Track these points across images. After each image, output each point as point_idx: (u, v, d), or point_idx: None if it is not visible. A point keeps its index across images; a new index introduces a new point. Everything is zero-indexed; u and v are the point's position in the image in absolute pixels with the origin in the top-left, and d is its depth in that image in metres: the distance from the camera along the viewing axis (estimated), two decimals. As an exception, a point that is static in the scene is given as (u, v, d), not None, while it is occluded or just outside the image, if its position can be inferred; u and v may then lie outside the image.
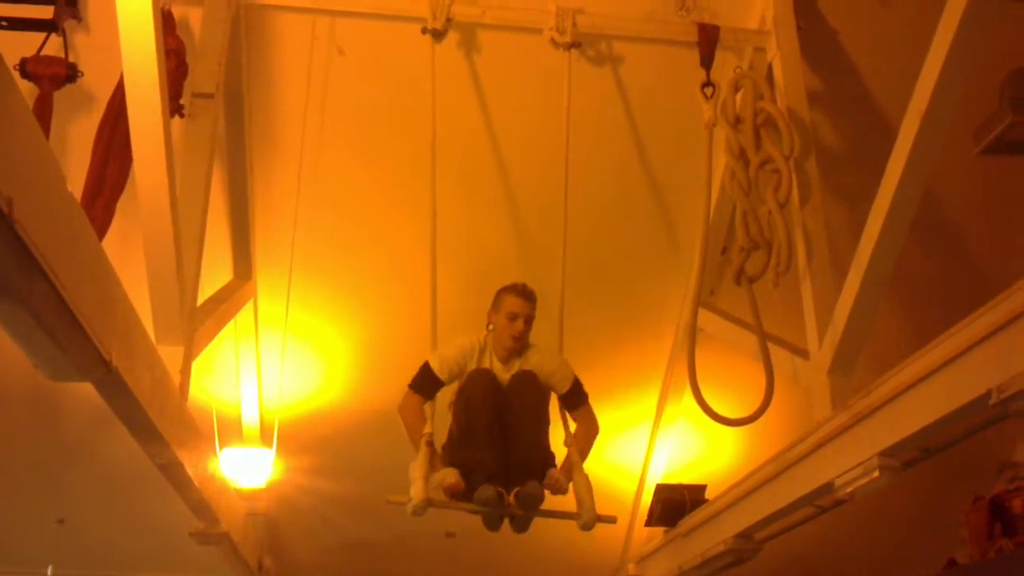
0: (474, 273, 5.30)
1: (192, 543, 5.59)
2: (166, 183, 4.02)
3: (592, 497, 4.26)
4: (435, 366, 4.36)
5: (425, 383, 4.37)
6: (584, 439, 4.54)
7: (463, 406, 4.24)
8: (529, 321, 4.35)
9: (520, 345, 4.37)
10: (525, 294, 4.37)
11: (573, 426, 4.57)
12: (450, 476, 4.06)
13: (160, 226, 4.08)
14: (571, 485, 4.28)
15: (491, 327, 4.40)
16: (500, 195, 6.02)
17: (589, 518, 4.22)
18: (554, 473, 4.20)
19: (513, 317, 4.31)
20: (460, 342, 4.40)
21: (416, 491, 4.04)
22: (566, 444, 4.49)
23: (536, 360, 4.40)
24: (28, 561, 7.30)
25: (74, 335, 2.62)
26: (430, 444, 4.23)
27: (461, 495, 4.10)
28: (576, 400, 4.49)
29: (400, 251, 6.06)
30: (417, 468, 4.16)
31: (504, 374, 4.34)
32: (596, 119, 5.81)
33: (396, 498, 4.14)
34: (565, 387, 4.44)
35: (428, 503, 4.04)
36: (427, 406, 4.39)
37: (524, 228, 6.12)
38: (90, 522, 7.22)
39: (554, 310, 4.99)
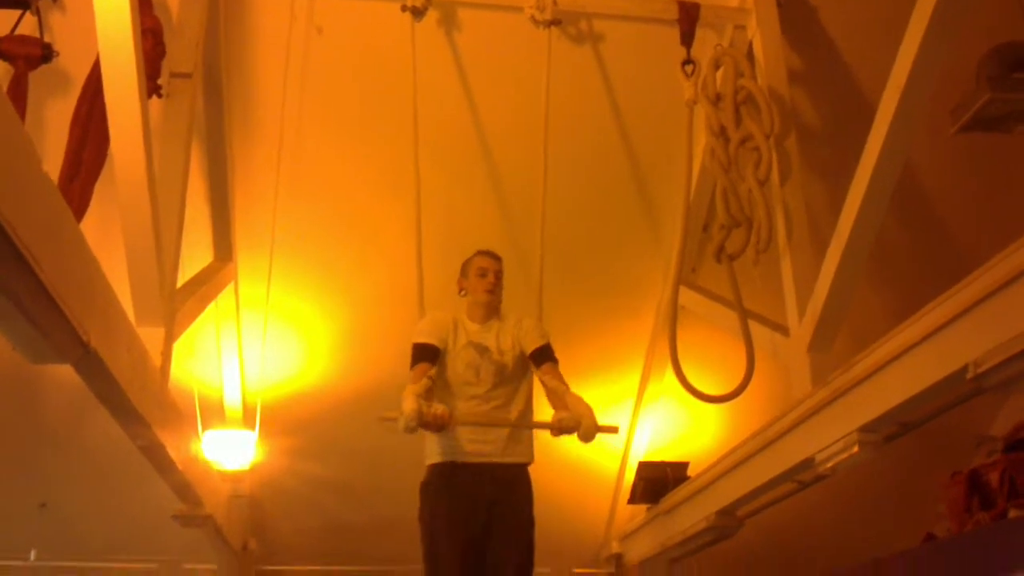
0: (455, 252, 5.27)
1: (176, 526, 5.58)
2: (144, 164, 3.99)
3: (591, 409, 4.14)
4: (422, 339, 4.28)
5: (424, 354, 4.23)
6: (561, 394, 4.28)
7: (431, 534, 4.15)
8: (499, 276, 4.43)
9: (495, 299, 4.43)
10: (491, 254, 4.47)
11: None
12: (439, 407, 3.99)
13: (138, 207, 4.05)
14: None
15: (463, 292, 4.47)
16: (481, 174, 6.01)
17: (589, 426, 4.09)
18: (557, 416, 4.12)
19: (483, 273, 4.40)
20: (430, 317, 4.45)
21: (408, 405, 3.86)
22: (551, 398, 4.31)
23: (513, 319, 4.44)
24: (10, 547, 7.26)
25: (52, 317, 2.60)
26: (430, 378, 4.14)
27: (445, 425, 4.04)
28: (546, 356, 4.33)
29: (381, 231, 6.05)
30: (410, 390, 4.00)
31: (480, 336, 4.34)
32: (577, 97, 5.80)
33: (388, 414, 3.97)
34: (536, 344, 4.35)
35: (420, 417, 3.86)
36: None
37: (506, 206, 6.11)
38: (73, 506, 7.18)
39: (536, 289, 5.01)
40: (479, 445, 4.20)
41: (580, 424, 4.08)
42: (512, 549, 4.13)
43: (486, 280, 4.40)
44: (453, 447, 4.19)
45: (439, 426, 3.98)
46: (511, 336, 4.38)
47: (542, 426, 4.22)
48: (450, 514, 4.11)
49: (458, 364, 4.28)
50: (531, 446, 4.34)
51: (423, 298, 4.93)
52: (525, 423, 4.34)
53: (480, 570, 4.10)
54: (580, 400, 4.18)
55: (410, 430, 3.88)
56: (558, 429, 4.11)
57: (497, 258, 4.48)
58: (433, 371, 4.20)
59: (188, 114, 4.94)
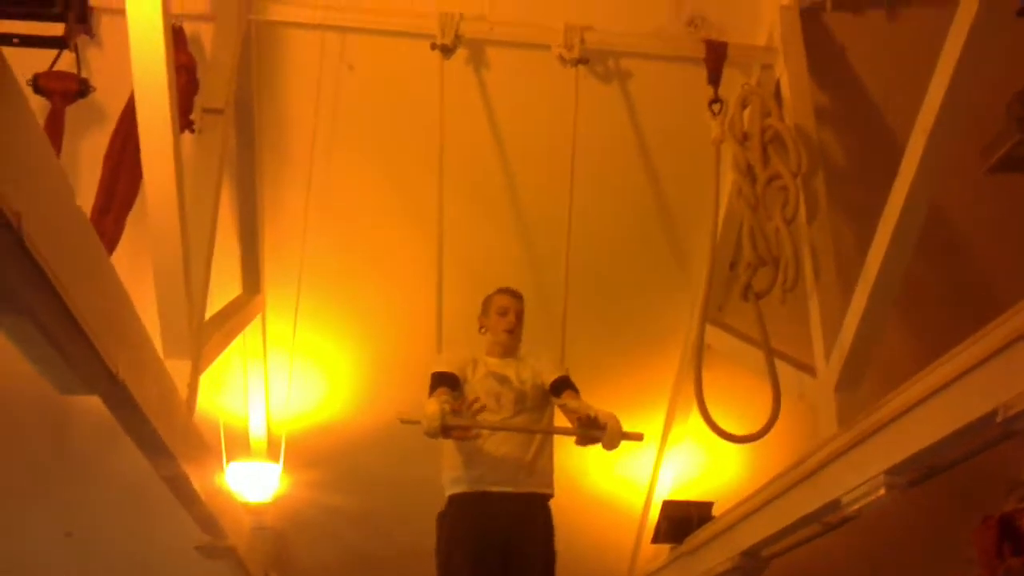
0: (480, 290, 5.28)
1: (198, 557, 5.59)
2: (175, 197, 4.05)
3: (615, 417, 4.04)
4: (441, 368, 4.28)
5: (442, 380, 4.17)
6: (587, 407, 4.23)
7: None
8: (519, 315, 4.43)
9: (514, 339, 4.44)
10: (511, 292, 4.48)
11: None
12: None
13: (169, 240, 4.11)
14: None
15: (483, 330, 4.50)
16: (507, 211, 6.04)
17: (614, 432, 3.99)
18: (586, 411, 4.02)
19: (503, 312, 4.42)
20: (448, 350, 4.55)
21: (432, 409, 3.84)
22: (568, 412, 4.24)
23: (533, 358, 4.46)
24: (36, 575, 7.31)
25: (81, 348, 2.63)
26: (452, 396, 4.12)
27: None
28: (565, 384, 4.28)
29: (408, 266, 6.08)
30: (434, 397, 4.02)
31: (500, 367, 4.36)
32: (603, 135, 5.83)
33: (409, 417, 3.92)
34: (555, 375, 4.32)
35: (443, 419, 3.83)
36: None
37: (531, 245, 6.13)
38: (98, 535, 7.22)
39: (559, 326, 5.01)
40: (497, 474, 4.15)
41: (607, 425, 3.96)
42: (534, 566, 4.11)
43: (506, 319, 4.41)
44: (471, 476, 4.18)
45: (462, 431, 3.96)
46: (530, 369, 4.40)
47: (568, 432, 4.13)
48: (466, 545, 4.09)
49: (479, 391, 4.22)
50: (551, 478, 4.30)
51: (442, 334, 4.94)
52: (551, 428, 4.36)
53: None
54: (605, 410, 4.09)
55: (432, 433, 3.84)
56: (587, 426, 3.96)
57: (518, 296, 4.48)
58: (452, 394, 4.15)
59: (220, 149, 5.01)
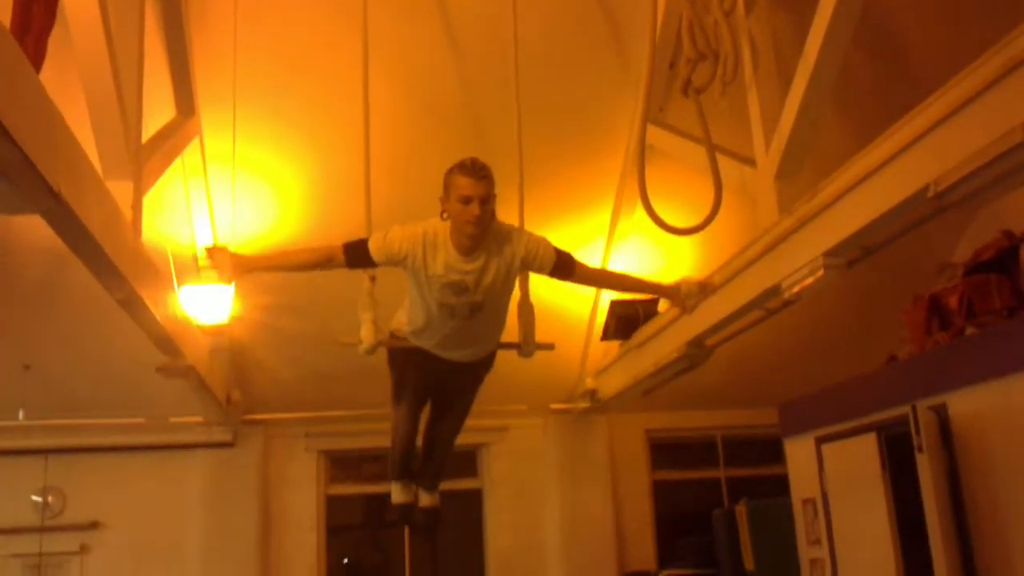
0: (416, 99, 5.20)
1: (161, 381, 5.69)
2: (99, 16, 3.91)
3: (533, 327, 4.26)
4: (371, 245, 3.79)
5: (357, 256, 3.82)
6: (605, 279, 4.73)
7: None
8: (486, 201, 3.62)
9: (481, 231, 3.69)
10: (475, 171, 3.61)
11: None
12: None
13: (97, 60, 3.99)
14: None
15: (446, 216, 3.72)
16: (437, 14, 5.88)
17: (529, 346, 4.27)
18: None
19: (466, 200, 3.60)
20: (411, 229, 3.76)
21: (366, 333, 4.05)
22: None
23: (508, 252, 3.80)
24: (-2, 409, 7.43)
25: (19, 164, 2.60)
26: (372, 280, 4.17)
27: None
28: (567, 268, 3.90)
29: (344, 79, 5.95)
30: (364, 309, 4.12)
31: (461, 270, 3.75)
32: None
33: (347, 340, 4.16)
34: (550, 264, 3.85)
35: (379, 344, 4.08)
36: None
37: (469, 51, 6.01)
38: (56, 366, 7.31)
39: (505, 132, 4.97)
40: (450, 351, 4.12)
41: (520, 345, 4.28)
42: (471, 387, 4.40)
43: (469, 211, 3.61)
44: (426, 343, 4.13)
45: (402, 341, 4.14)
46: (505, 263, 3.82)
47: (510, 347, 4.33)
48: (418, 359, 4.20)
49: (430, 299, 3.85)
50: (500, 335, 4.24)
51: (369, 166, 4.58)
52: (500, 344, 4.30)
53: (440, 392, 4.38)
54: (531, 316, 4.29)
55: (370, 355, 4.08)
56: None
57: (483, 176, 3.63)
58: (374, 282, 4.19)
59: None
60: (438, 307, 3.85)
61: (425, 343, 4.10)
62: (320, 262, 3.88)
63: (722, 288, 5.09)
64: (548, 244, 3.86)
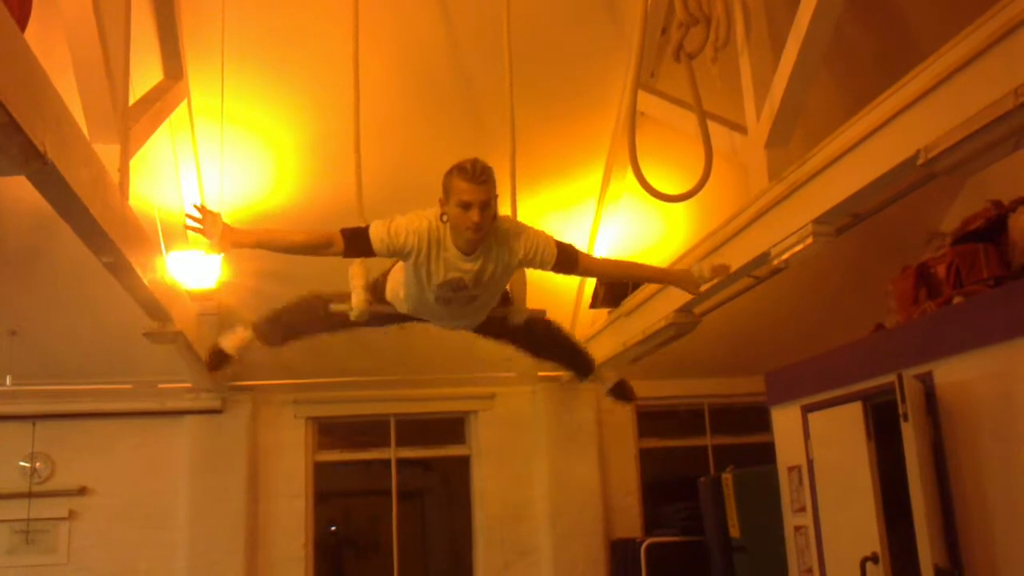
0: (407, 61, 5.13)
1: (149, 346, 5.66)
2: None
3: (524, 293, 4.35)
4: (374, 237, 3.70)
5: (356, 244, 3.74)
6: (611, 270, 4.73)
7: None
8: (486, 205, 3.56)
9: (481, 236, 3.65)
10: (475, 176, 3.53)
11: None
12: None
13: (84, 19, 3.94)
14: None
15: (445, 218, 3.66)
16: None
17: (519, 313, 4.36)
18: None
19: (466, 206, 3.54)
20: (416, 223, 3.69)
21: (357, 300, 4.12)
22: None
23: (508, 251, 3.78)
24: (-15, 376, 7.39)
25: (6, 127, 2.57)
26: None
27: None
28: (570, 263, 3.87)
29: (335, 39, 5.88)
30: (356, 276, 4.16)
31: (460, 267, 3.75)
32: None
33: (338, 307, 4.23)
34: (551, 261, 3.83)
35: (369, 311, 4.14)
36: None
37: (456, 9, 5.95)
38: (43, 332, 7.27)
39: (496, 93, 4.93)
40: (442, 325, 4.26)
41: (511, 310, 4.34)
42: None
43: (469, 217, 3.56)
44: (418, 316, 4.22)
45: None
46: (504, 263, 3.82)
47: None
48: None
49: (428, 291, 3.86)
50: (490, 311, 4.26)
51: (359, 137, 4.52)
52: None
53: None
54: (523, 284, 4.34)
55: (361, 321, 4.18)
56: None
57: (484, 181, 3.55)
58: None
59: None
60: (434, 298, 3.89)
61: (416, 316, 4.18)
62: (316, 247, 3.77)
63: (712, 255, 5.10)
64: (550, 241, 3.82)
